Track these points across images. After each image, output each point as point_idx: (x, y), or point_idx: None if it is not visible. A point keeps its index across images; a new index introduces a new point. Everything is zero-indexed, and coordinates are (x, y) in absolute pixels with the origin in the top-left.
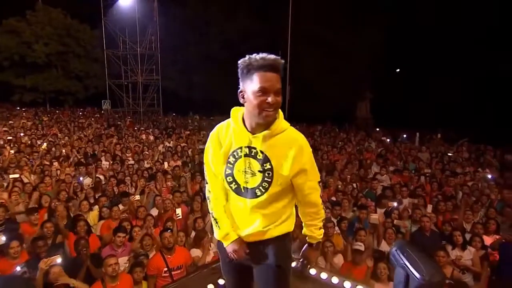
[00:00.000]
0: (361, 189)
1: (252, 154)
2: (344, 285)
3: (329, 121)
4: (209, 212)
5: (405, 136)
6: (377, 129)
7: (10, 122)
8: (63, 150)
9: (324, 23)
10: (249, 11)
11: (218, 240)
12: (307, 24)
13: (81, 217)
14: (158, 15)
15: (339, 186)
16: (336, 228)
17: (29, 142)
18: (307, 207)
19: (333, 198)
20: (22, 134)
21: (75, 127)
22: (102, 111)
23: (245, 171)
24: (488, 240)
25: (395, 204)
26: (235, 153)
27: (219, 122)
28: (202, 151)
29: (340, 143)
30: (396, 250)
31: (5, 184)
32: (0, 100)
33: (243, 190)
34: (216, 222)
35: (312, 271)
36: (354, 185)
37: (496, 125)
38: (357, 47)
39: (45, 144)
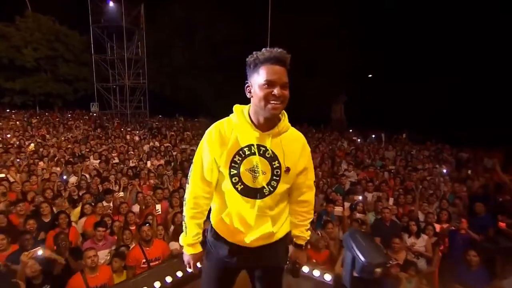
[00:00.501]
0: (331, 184)
1: (261, 152)
2: (325, 277)
3: (306, 123)
4: (182, 214)
5: (373, 136)
6: (350, 130)
7: None
8: (51, 151)
9: (302, 36)
10: (233, 18)
11: (213, 233)
12: (286, 36)
13: (63, 212)
14: (145, 21)
15: None
16: None
17: (17, 143)
18: (301, 206)
19: None
20: (9, 136)
21: (63, 129)
22: (91, 113)
23: (253, 170)
24: (439, 228)
25: (360, 197)
26: (241, 152)
27: (204, 123)
28: (184, 151)
29: (315, 142)
30: (347, 236)
31: None
32: None
33: (250, 191)
34: (185, 227)
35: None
36: (325, 180)
37: (454, 127)
38: (333, 54)
39: (32, 144)
